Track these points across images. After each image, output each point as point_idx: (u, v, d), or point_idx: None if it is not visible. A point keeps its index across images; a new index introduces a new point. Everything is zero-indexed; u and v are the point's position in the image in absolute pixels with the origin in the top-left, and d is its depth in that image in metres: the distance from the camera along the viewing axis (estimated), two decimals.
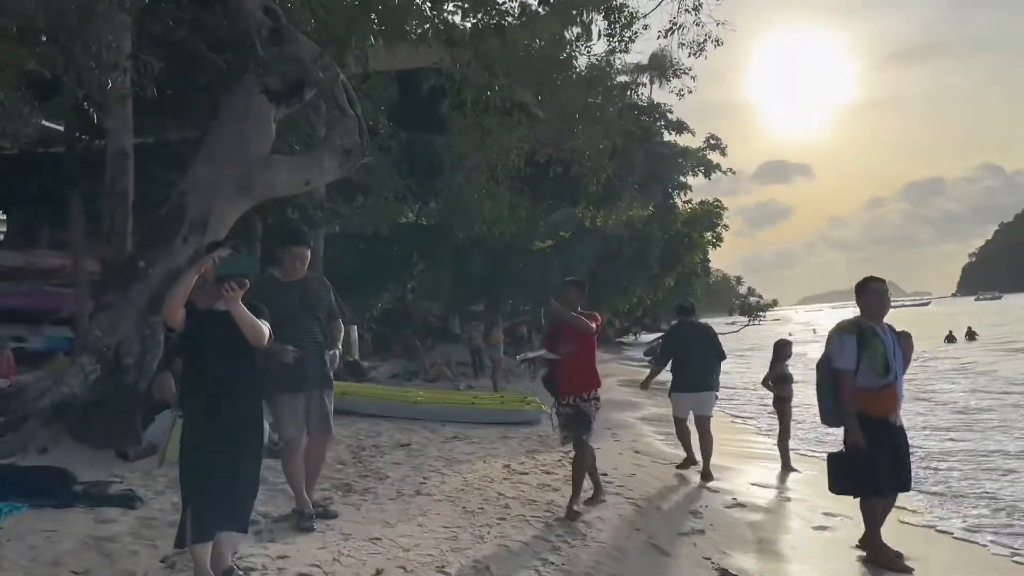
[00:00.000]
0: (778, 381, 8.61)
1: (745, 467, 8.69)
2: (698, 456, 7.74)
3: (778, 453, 8.64)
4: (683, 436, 7.91)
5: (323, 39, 7.90)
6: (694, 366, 7.59)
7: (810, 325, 57.19)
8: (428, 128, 15.30)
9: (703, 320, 9.21)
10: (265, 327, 3.75)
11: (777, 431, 8.75)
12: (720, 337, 8.11)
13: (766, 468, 8.66)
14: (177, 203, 7.44)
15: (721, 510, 6.48)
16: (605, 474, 7.47)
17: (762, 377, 8.89)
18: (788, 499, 7.13)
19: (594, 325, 5.85)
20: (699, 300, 32.87)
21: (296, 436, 4.89)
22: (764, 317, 59.73)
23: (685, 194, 34.53)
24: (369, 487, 6.22)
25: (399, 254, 20.09)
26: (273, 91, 7.76)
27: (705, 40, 12.29)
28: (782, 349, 8.75)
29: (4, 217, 18.70)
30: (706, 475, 7.47)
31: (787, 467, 8.41)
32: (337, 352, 5.18)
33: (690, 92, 13.22)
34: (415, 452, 8.16)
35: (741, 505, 6.68)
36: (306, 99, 8.16)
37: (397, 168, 13.41)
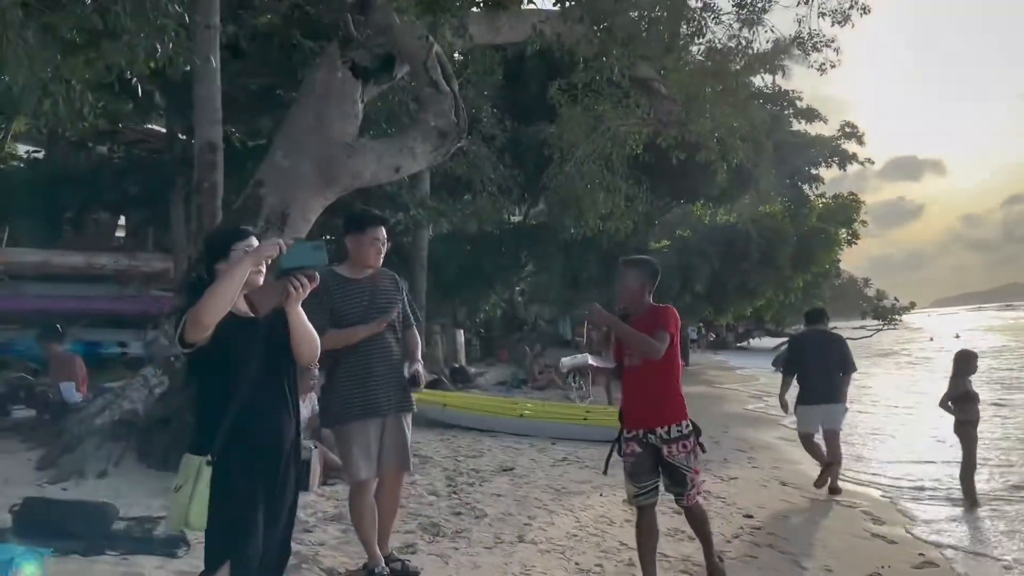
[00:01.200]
0: (960, 400, 7.11)
1: (925, 506, 7.17)
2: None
3: (960, 487, 7.12)
4: (812, 450, 7.47)
5: (416, 6, 7.03)
6: (821, 377, 7.18)
7: (947, 332, 52.84)
8: (535, 117, 14.34)
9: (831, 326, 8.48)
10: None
11: (961, 461, 7.21)
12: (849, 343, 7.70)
13: (944, 506, 7.12)
14: (252, 195, 6.71)
15: (909, 572, 5.12)
16: (751, 516, 6.25)
17: (941, 395, 7.37)
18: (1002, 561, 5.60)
19: (668, 334, 4.06)
20: (825, 303, 30.52)
21: (368, 474, 3.94)
22: (899, 321, 55.81)
23: (816, 187, 32.21)
24: (462, 528, 5.22)
25: (507, 255, 19.23)
26: (359, 67, 6.93)
27: (851, 7, 10.74)
28: (965, 363, 7.25)
29: (123, 222, 19.10)
30: (834, 490, 7.17)
31: (974, 503, 6.90)
32: (419, 367, 4.18)
33: (833, 66, 11.57)
34: (520, 479, 7.14)
35: (932, 565, 5.28)
36: (397, 76, 7.30)
37: (501, 159, 12.49)
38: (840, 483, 7.41)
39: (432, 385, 13.52)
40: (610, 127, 10.77)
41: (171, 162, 13.35)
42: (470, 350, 23.05)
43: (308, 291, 2.71)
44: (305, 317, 2.81)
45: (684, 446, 4.18)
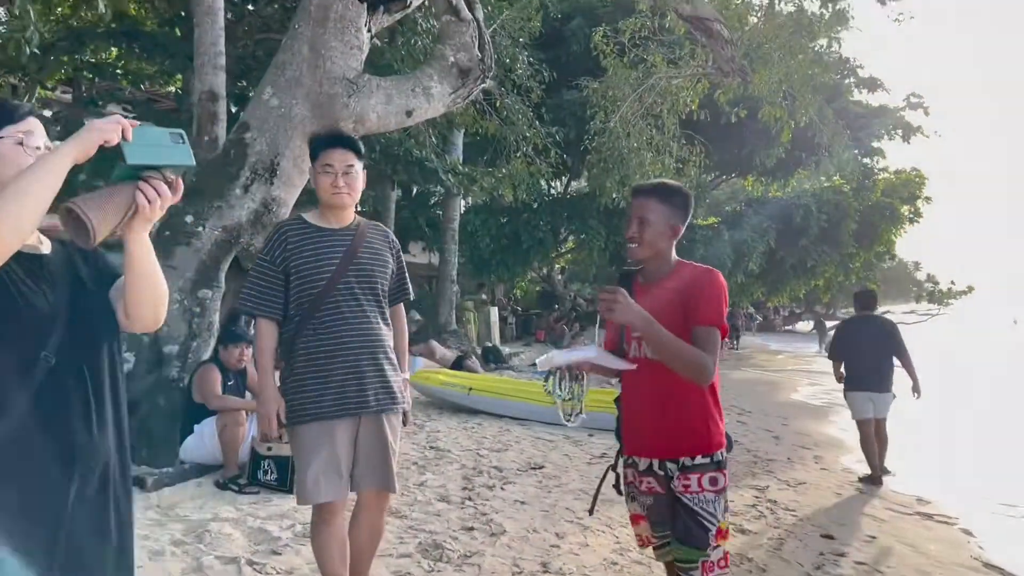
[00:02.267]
0: None
1: None
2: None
3: None
4: (871, 445, 7.08)
5: None
6: (871, 365, 6.99)
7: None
8: (577, 72, 13.18)
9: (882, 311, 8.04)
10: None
11: None
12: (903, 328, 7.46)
13: None
14: (236, 140, 5.74)
15: None
16: (831, 536, 5.14)
17: None
18: None
19: (719, 332, 2.48)
20: (877, 286, 28.84)
21: (331, 495, 2.92)
22: (954, 305, 53.53)
23: (877, 161, 30.32)
24: (472, 552, 4.21)
25: (545, 228, 18.13)
26: None
27: None
28: None
29: None
30: (876, 479, 6.96)
31: None
32: (411, 355, 3.11)
33: (911, 18, 10.23)
34: (550, 480, 6.10)
35: None
36: (411, 4, 6.22)
37: (539, 116, 11.35)
38: (932, 504, 6.28)
39: (458, 363, 12.57)
40: (661, 79, 9.60)
41: (184, 122, 12.50)
42: (506, 329, 22.10)
43: (165, 205, 1.59)
44: (153, 253, 1.67)
45: (713, 481, 2.55)
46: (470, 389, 9.46)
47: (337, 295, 2.95)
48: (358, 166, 3.03)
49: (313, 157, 3.02)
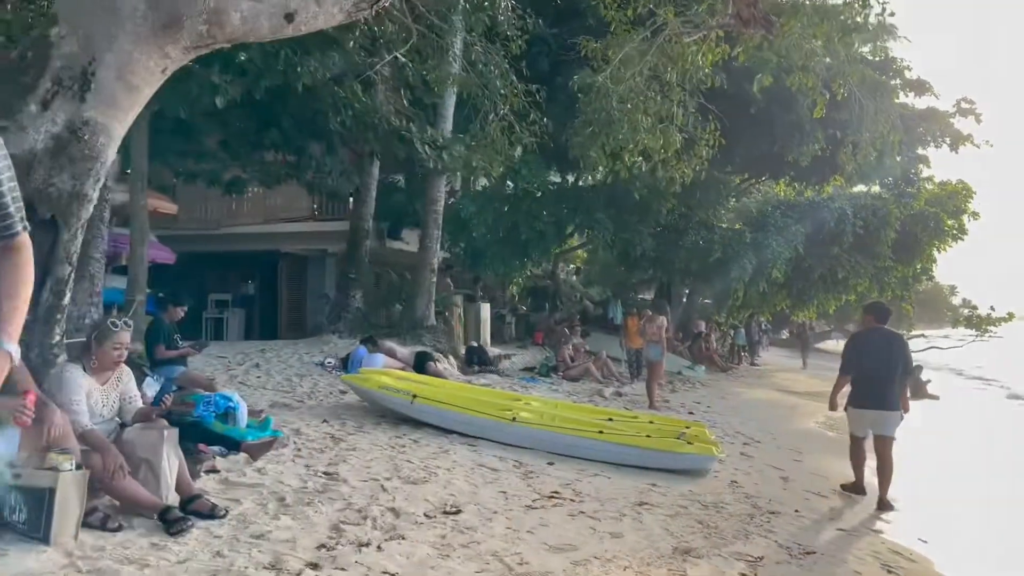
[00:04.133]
0: None
1: None
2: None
3: None
4: (858, 457, 7.22)
5: None
6: (879, 381, 6.88)
7: None
8: (571, 23, 11.54)
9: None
10: None
11: None
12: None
13: None
14: (38, 36, 4.15)
15: None
16: None
17: None
18: None
19: None
20: (913, 307, 26.75)
21: None
22: (994, 332, 51.20)
23: (920, 170, 28.26)
24: None
25: (548, 220, 16.48)
26: None
27: None
28: None
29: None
30: (883, 504, 6.73)
31: None
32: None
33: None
34: (459, 535, 4.48)
35: None
36: None
37: (520, 75, 9.71)
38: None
39: (419, 364, 10.98)
40: (671, 38, 7.94)
41: None
42: (504, 329, 20.46)
43: None
44: None
45: None
46: (414, 397, 7.85)
47: None
48: None
49: None
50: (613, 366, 16.02)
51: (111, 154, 4.26)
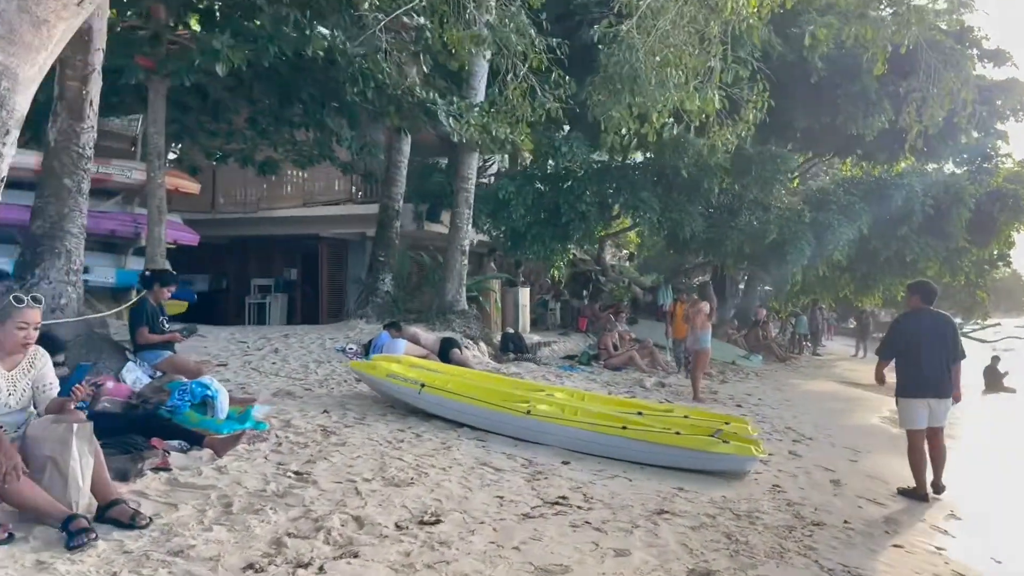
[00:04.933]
0: None
1: None
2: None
3: None
4: (918, 457, 6.54)
5: None
6: (932, 367, 6.37)
7: None
8: None
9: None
10: None
11: None
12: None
13: None
14: None
15: None
16: None
17: None
18: None
19: None
20: (988, 295, 24.96)
21: None
22: None
23: (1000, 146, 26.45)
24: None
25: (591, 200, 15.64)
26: None
27: None
28: None
29: None
30: (938, 487, 6.54)
31: None
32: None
33: None
34: (428, 553, 3.81)
35: None
36: None
37: (541, 30, 8.88)
38: None
39: (443, 351, 10.34)
40: None
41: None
42: (548, 316, 19.77)
43: None
44: None
45: None
46: (423, 386, 7.22)
47: None
48: None
49: None
50: (660, 355, 15.20)
51: (21, 102, 3.67)
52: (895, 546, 5.16)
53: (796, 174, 22.87)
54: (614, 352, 14.45)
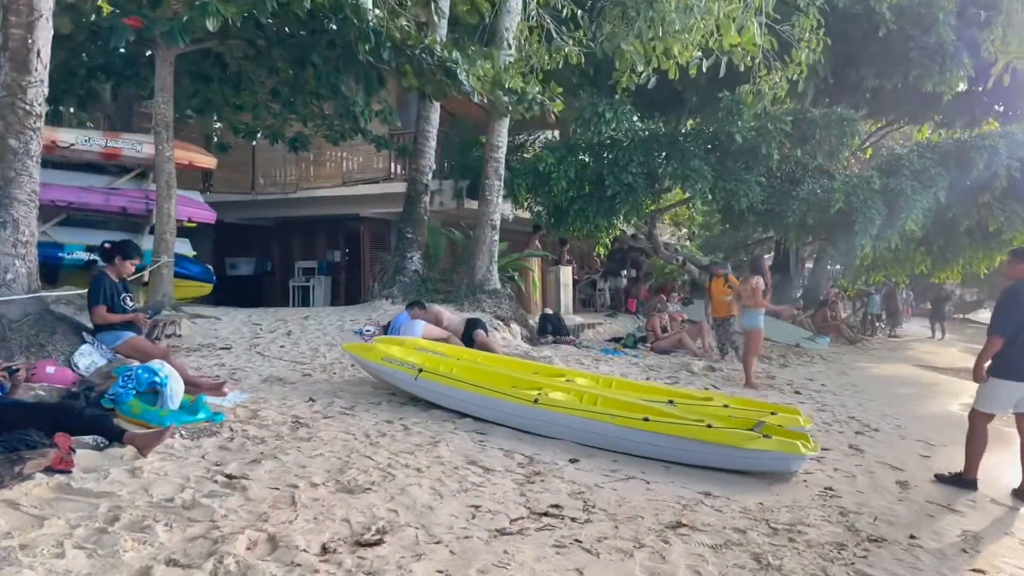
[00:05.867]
0: None
1: None
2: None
3: None
4: (979, 442, 5.76)
5: None
6: None
7: None
8: None
9: None
10: None
11: None
12: None
13: None
14: None
15: None
16: None
17: None
18: None
19: None
20: None
21: None
22: None
23: None
24: None
25: (638, 171, 14.52)
26: None
27: None
28: None
29: None
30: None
31: None
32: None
33: None
34: None
35: None
36: None
37: None
38: None
39: (467, 333, 9.50)
40: None
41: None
42: (597, 296, 18.75)
43: None
44: None
45: None
46: (420, 371, 6.38)
47: None
48: None
49: None
50: (708, 337, 14.07)
51: None
52: (975, 572, 4.09)
53: (868, 145, 21.22)
54: (662, 334, 13.39)
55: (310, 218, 19.37)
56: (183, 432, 4.69)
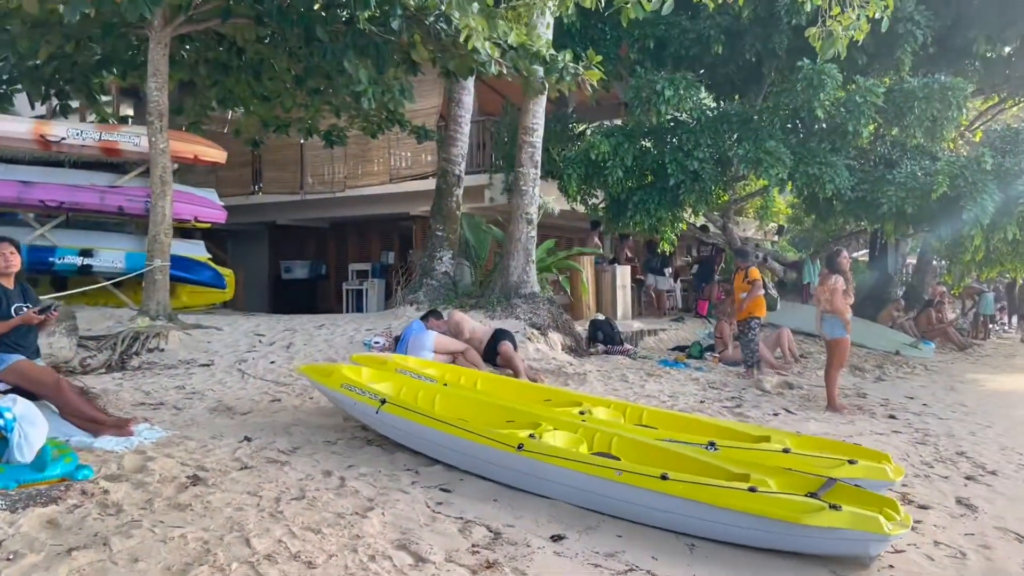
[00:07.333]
0: None
1: None
2: None
3: None
4: None
5: None
6: None
7: None
8: None
9: None
10: None
11: None
12: None
13: None
14: None
15: None
16: None
17: None
18: None
19: None
20: None
21: None
22: None
23: None
24: None
25: (705, 156, 12.83)
26: None
27: None
28: None
29: None
30: None
31: None
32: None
33: None
34: None
35: None
36: None
37: None
38: None
39: (491, 347, 8.13)
40: None
41: None
42: (667, 298, 17.05)
43: None
44: None
45: None
46: (382, 402, 5.00)
47: None
48: None
49: None
50: (795, 345, 12.25)
51: None
52: None
53: (978, 126, 18.72)
54: (731, 343, 11.66)
55: (363, 218, 18.47)
56: (1, 500, 3.45)
